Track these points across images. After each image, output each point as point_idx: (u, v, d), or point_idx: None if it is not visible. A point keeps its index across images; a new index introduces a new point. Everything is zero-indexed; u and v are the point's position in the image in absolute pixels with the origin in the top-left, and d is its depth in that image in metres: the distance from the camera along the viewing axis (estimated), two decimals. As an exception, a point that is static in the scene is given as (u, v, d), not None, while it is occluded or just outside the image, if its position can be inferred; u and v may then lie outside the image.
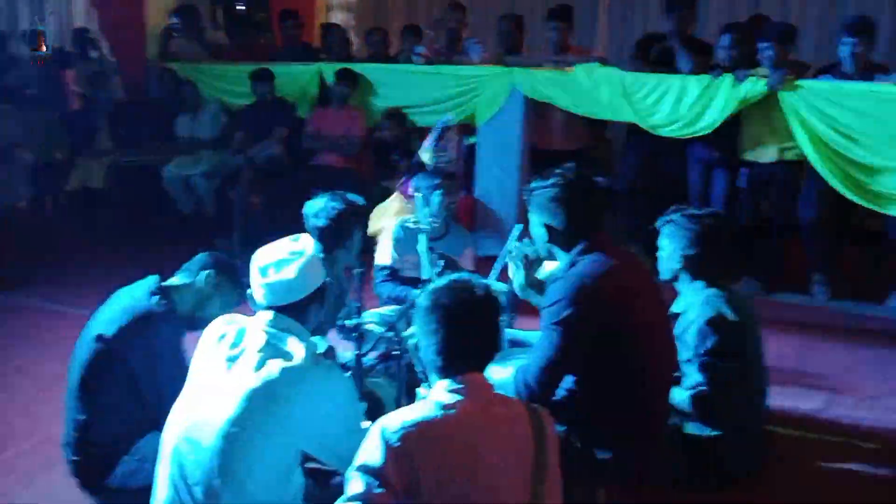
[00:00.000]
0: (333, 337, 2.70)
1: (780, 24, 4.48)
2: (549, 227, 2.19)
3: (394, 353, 2.41)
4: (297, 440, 1.83)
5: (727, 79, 4.28)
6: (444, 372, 1.66)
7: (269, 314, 1.92)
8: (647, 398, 2.12)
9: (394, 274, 3.33)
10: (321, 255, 2.01)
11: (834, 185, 4.14)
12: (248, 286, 1.97)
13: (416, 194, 3.47)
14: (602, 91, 4.65)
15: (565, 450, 1.74)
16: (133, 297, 2.30)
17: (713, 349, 2.34)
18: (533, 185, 2.24)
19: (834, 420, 3.06)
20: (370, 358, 2.52)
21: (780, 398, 3.04)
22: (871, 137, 4.03)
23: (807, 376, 3.44)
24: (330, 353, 2.60)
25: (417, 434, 1.55)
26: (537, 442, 1.63)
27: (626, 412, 2.10)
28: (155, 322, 2.21)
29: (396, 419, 1.59)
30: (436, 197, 3.34)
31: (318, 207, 2.78)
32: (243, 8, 7.47)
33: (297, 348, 1.89)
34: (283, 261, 1.92)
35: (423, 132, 5.44)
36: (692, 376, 2.38)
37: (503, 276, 2.70)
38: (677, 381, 2.41)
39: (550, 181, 2.19)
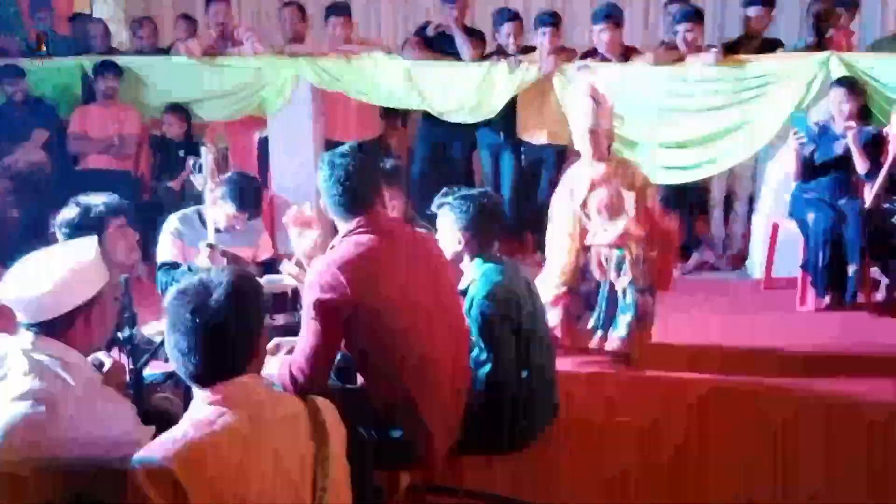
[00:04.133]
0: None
1: (550, 12, 4.77)
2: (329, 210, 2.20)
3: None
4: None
5: (503, 65, 4.51)
6: (200, 382, 1.50)
7: (29, 335, 1.70)
8: (426, 373, 2.14)
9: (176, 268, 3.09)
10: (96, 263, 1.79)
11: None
12: None
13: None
14: (389, 79, 4.70)
15: (357, 438, 1.70)
16: None
17: (491, 319, 2.44)
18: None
19: (622, 380, 3.30)
20: (154, 373, 2.31)
21: (568, 363, 3.28)
22: (629, 113, 4.42)
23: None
24: (118, 369, 2.33)
25: (180, 464, 1.39)
26: (317, 438, 1.55)
27: (406, 389, 2.11)
28: None
29: (154, 450, 1.43)
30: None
31: (63, 217, 2.50)
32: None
33: (64, 374, 1.68)
34: (39, 271, 1.70)
35: (207, 128, 5.20)
36: (482, 351, 2.47)
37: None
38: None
39: (319, 166, 2.20)
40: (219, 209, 3.11)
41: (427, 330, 2.16)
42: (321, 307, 2.02)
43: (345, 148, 2.20)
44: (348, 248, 2.10)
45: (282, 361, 2.13)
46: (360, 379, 2.29)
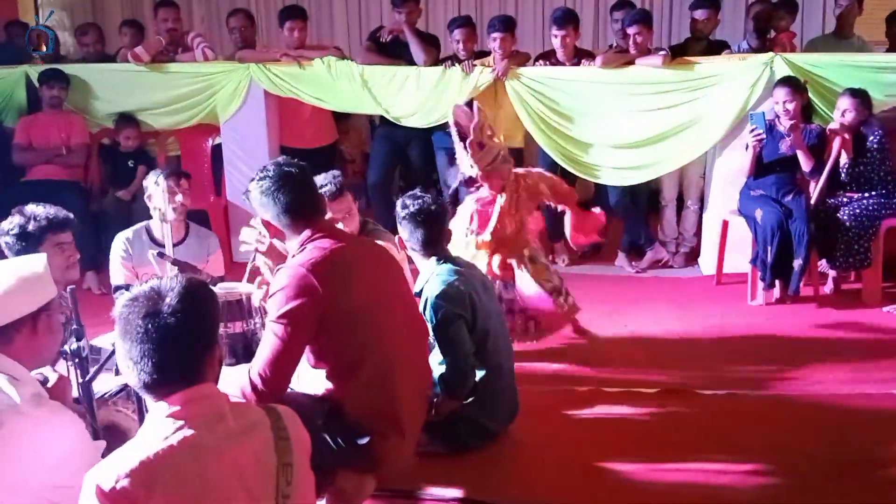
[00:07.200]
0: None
1: (504, 17, 4.80)
2: (268, 224, 2.19)
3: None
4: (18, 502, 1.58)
5: (457, 70, 4.54)
6: (154, 392, 1.46)
7: None
8: (399, 375, 2.15)
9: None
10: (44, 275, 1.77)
11: (556, 160, 4.60)
12: None
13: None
14: (343, 84, 4.69)
15: (322, 445, 1.70)
16: None
17: (445, 317, 2.46)
18: (249, 186, 2.23)
19: (582, 374, 3.33)
20: (106, 386, 2.26)
21: (527, 359, 3.31)
22: (582, 116, 4.51)
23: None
24: (63, 382, 2.27)
25: (137, 481, 1.36)
26: (279, 446, 1.52)
27: (371, 392, 2.11)
28: None
29: (110, 468, 1.38)
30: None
31: (3, 225, 2.52)
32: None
33: (9, 390, 1.64)
34: None
35: (158, 136, 5.11)
36: (438, 352, 2.48)
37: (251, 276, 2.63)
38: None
39: (258, 176, 2.19)
40: (156, 194, 3.11)
41: (396, 331, 2.18)
42: (291, 313, 2.01)
43: (280, 159, 2.23)
44: (313, 251, 2.10)
45: (239, 370, 2.10)
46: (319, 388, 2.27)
